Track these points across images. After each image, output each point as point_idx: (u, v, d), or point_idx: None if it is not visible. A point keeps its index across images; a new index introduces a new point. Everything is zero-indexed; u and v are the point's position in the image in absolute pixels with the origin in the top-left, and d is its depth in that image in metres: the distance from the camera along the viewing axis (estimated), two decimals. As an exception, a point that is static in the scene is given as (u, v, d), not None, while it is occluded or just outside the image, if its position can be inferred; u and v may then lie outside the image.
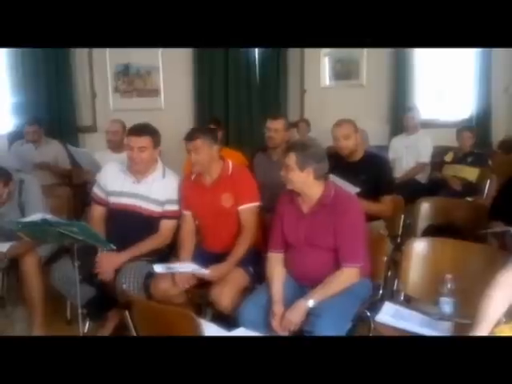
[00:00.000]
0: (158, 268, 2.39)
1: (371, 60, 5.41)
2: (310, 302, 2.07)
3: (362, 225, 2.24)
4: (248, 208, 2.51)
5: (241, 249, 2.48)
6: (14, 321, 3.09)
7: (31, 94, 5.48)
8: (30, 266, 2.69)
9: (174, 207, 2.66)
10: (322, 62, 5.55)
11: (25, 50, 5.30)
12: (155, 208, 2.64)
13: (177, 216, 2.68)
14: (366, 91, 5.49)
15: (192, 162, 2.53)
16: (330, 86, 5.61)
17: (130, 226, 2.59)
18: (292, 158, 2.17)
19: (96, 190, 2.76)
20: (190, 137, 2.50)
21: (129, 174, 2.68)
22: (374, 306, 2.20)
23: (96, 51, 5.54)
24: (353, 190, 2.69)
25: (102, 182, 2.74)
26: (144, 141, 2.56)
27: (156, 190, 2.64)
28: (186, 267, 2.43)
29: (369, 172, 2.86)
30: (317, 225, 2.20)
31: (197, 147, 2.47)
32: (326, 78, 5.61)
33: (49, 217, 2.28)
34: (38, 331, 2.73)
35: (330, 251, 2.18)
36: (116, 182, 2.69)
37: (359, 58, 5.43)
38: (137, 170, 2.63)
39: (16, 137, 4.83)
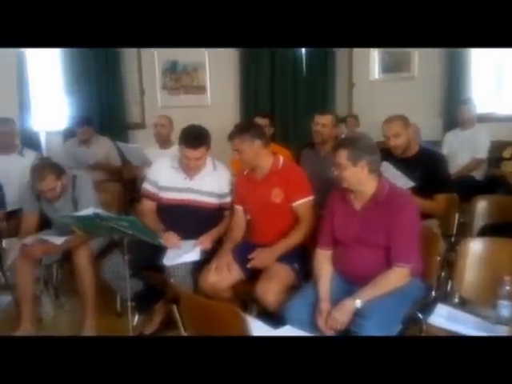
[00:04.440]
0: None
1: (423, 51, 5.20)
2: (358, 302, 2.00)
3: (417, 224, 2.15)
4: (303, 203, 2.51)
5: (293, 239, 2.47)
6: (67, 312, 3.21)
7: (82, 93, 5.69)
8: (83, 258, 2.77)
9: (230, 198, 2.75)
10: (371, 55, 5.40)
11: (77, 50, 5.51)
12: (212, 200, 2.72)
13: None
14: (417, 84, 5.28)
15: (240, 160, 2.57)
16: (380, 79, 5.45)
17: (187, 219, 2.65)
18: (343, 155, 2.10)
19: (146, 186, 2.80)
20: (230, 137, 2.55)
21: (180, 171, 2.73)
22: (427, 307, 2.12)
23: (144, 49, 5.66)
24: (406, 183, 2.60)
25: (152, 177, 2.79)
26: (200, 153, 2.61)
27: (209, 182, 2.71)
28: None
29: (423, 169, 2.75)
30: (369, 222, 2.14)
31: (237, 147, 2.51)
32: (376, 71, 5.46)
33: (100, 211, 2.34)
34: (89, 323, 2.81)
35: (380, 249, 2.11)
36: (168, 178, 2.74)
37: (410, 49, 5.24)
38: (192, 172, 2.70)
39: (69, 134, 5.00)
